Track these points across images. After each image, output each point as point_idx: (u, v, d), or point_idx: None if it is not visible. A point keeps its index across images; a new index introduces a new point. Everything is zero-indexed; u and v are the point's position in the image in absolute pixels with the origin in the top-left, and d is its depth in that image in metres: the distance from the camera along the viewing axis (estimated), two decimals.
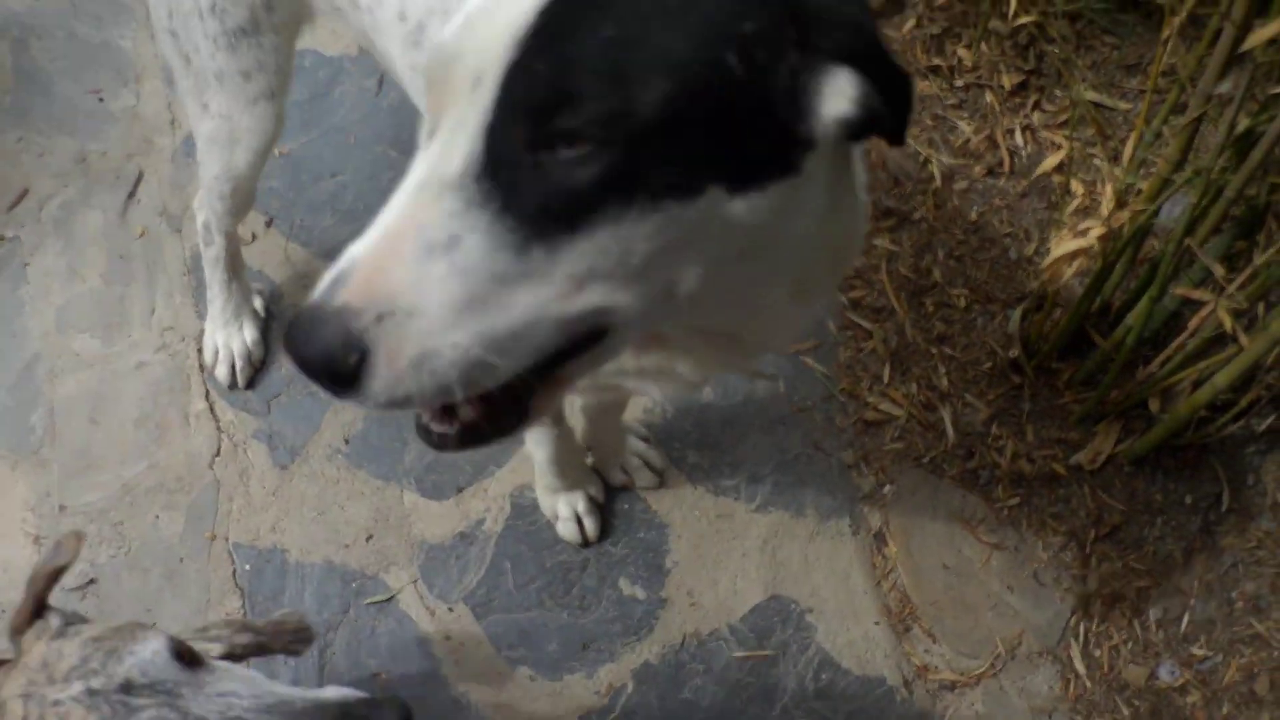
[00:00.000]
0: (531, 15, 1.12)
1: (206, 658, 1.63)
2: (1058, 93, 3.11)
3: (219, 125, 2.45)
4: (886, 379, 2.89)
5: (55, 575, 1.80)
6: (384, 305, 1.11)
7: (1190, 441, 2.74)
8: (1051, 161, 2.54)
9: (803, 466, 2.84)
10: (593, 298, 1.16)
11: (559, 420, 2.48)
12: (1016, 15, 2.89)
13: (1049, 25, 3.08)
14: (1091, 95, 3.03)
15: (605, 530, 2.80)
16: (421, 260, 1.12)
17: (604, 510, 2.80)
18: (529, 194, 1.12)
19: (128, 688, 1.49)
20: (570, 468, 2.69)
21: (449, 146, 1.14)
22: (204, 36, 2.27)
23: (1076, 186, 2.86)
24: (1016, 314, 2.88)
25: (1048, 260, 2.47)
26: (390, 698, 1.60)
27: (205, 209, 2.77)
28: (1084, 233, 2.36)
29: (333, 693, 1.62)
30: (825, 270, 1.50)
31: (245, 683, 1.58)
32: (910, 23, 3.20)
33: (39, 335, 3.08)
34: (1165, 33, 2.18)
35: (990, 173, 3.06)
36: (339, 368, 1.11)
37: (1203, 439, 2.71)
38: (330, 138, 3.34)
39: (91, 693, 1.49)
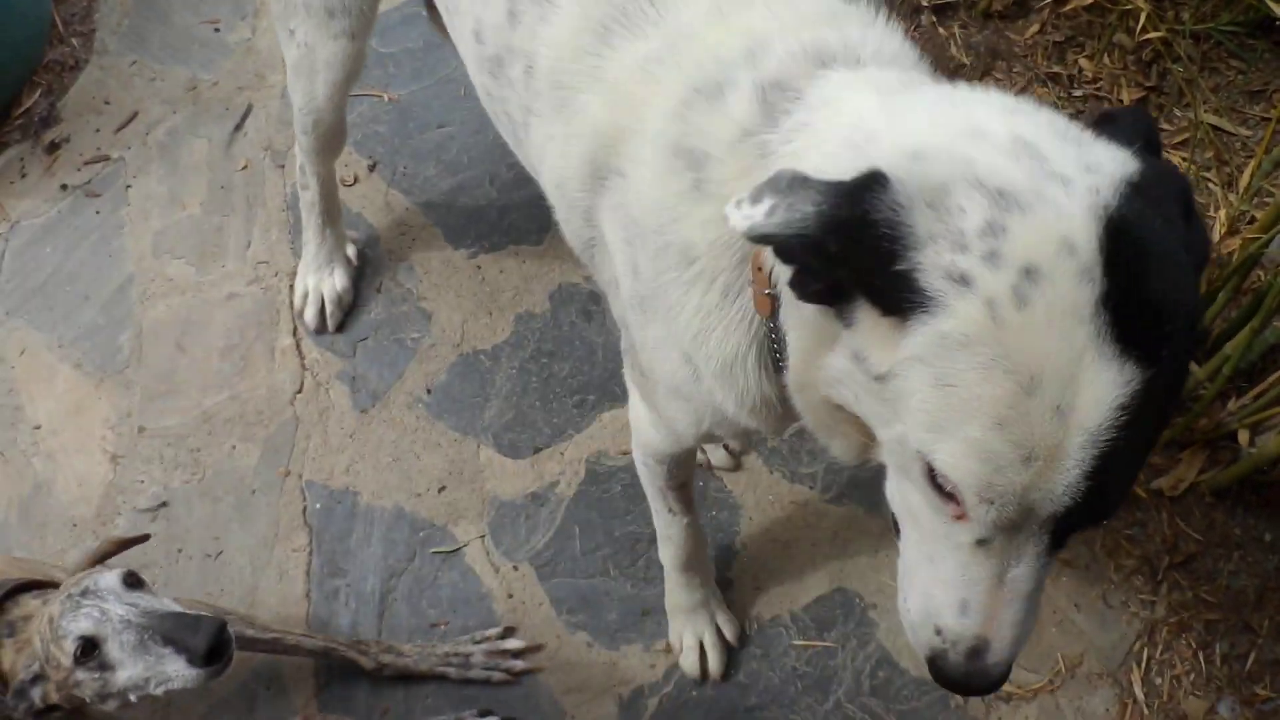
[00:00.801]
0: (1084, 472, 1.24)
1: (149, 585, 2.10)
2: (1177, 113, 3.06)
3: (302, 55, 2.50)
4: None
5: (121, 546, 2.27)
6: (1019, 649, 1.45)
7: (1276, 479, 2.69)
8: None
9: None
10: None
11: (689, 505, 2.40)
12: (1143, 31, 2.85)
13: (1175, 43, 3.02)
14: (1212, 119, 2.98)
15: (629, 514, 2.78)
16: (1030, 618, 1.42)
17: (731, 650, 2.69)
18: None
19: (84, 593, 1.99)
20: (696, 575, 2.57)
21: (1017, 548, 1.35)
22: None
23: None
24: None
25: None
26: (208, 620, 1.96)
27: (299, 148, 2.80)
28: None
29: (174, 606, 2.02)
30: None
31: (149, 599, 2.02)
32: (1034, 28, 3.16)
33: (135, 257, 3.12)
34: None
35: None
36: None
37: None
38: (441, 88, 3.35)
39: (68, 597, 2.00)
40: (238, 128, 3.31)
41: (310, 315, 3.00)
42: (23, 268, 3.11)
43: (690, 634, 2.63)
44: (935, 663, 1.46)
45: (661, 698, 2.62)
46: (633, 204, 1.62)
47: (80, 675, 1.98)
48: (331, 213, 2.94)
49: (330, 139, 2.75)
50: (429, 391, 2.94)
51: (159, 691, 1.99)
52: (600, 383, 2.93)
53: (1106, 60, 3.08)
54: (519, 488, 2.83)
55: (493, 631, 2.63)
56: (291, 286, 3.05)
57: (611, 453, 2.80)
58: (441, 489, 2.83)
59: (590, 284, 2.97)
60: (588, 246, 1.84)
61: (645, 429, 2.09)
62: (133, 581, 2.07)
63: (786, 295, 1.38)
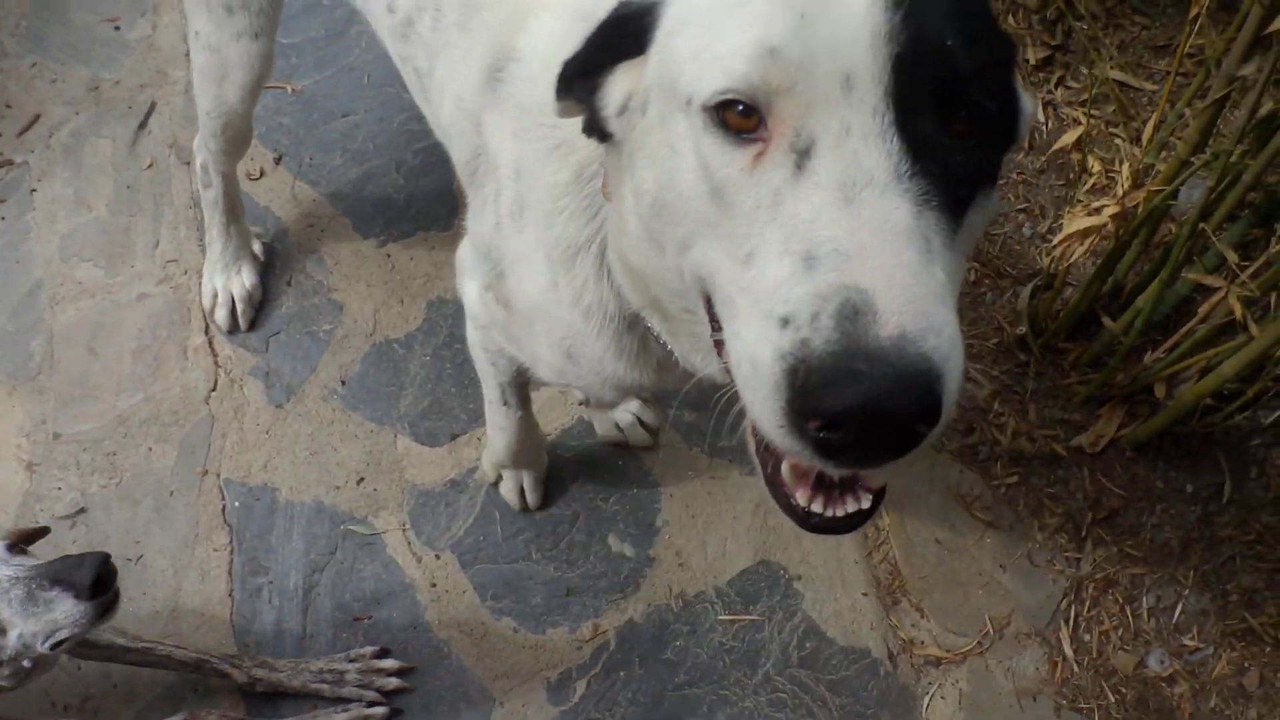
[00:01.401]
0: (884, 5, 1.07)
1: (30, 551, 2.14)
2: (1083, 70, 3.05)
3: (209, 58, 2.44)
4: None
5: (22, 538, 2.21)
6: (932, 323, 1.01)
7: (1194, 430, 2.70)
8: (1070, 137, 2.48)
9: None
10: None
11: (525, 401, 2.45)
12: None
13: (1078, 1, 3.01)
14: (1117, 74, 2.97)
15: (548, 496, 2.78)
16: (928, 274, 1.04)
17: (547, 485, 2.78)
18: (949, 185, 1.08)
19: None
20: (524, 452, 2.64)
21: (852, 153, 1.06)
22: None
23: (1094, 164, 2.80)
24: (1026, 291, 2.84)
25: (1059, 236, 2.42)
26: (92, 554, 2.00)
27: (203, 149, 2.75)
28: (1098, 211, 2.32)
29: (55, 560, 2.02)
30: None
31: (34, 561, 2.04)
32: None
33: (43, 262, 3.07)
34: (1194, 10, 2.13)
35: None
36: (933, 403, 0.99)
37: (1207, 428, 2.67)
38: (344, 77, 3.31)
39: None
40: (141, 126, 3.25)
41: (221, 316, 2.95)
42: None
43: (509, 478, 2.73)
44: (797, 375, 1.00)
45: (589, 679, 2.61)
46: (523, 91, 1.62)
47: None
48: (235, 210, 2.90)
49: (239, 140, 2.71)
50: (343, 383, 2.91)
51: (49, 647, 1.97)
52: None
53: (1011, 20, 3.07)
54: (438, 476, 2.81)
55: (368, 650, 2.60)
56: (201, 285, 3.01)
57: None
58: (360, 480, 2.80)
59: None
60: (474, 158, 1.83)
61: (490, 352, 2.15)
62: (16, 548, 2.09)
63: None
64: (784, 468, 1.20)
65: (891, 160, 1.05)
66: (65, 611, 1.95)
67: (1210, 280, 2.31)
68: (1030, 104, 1.26)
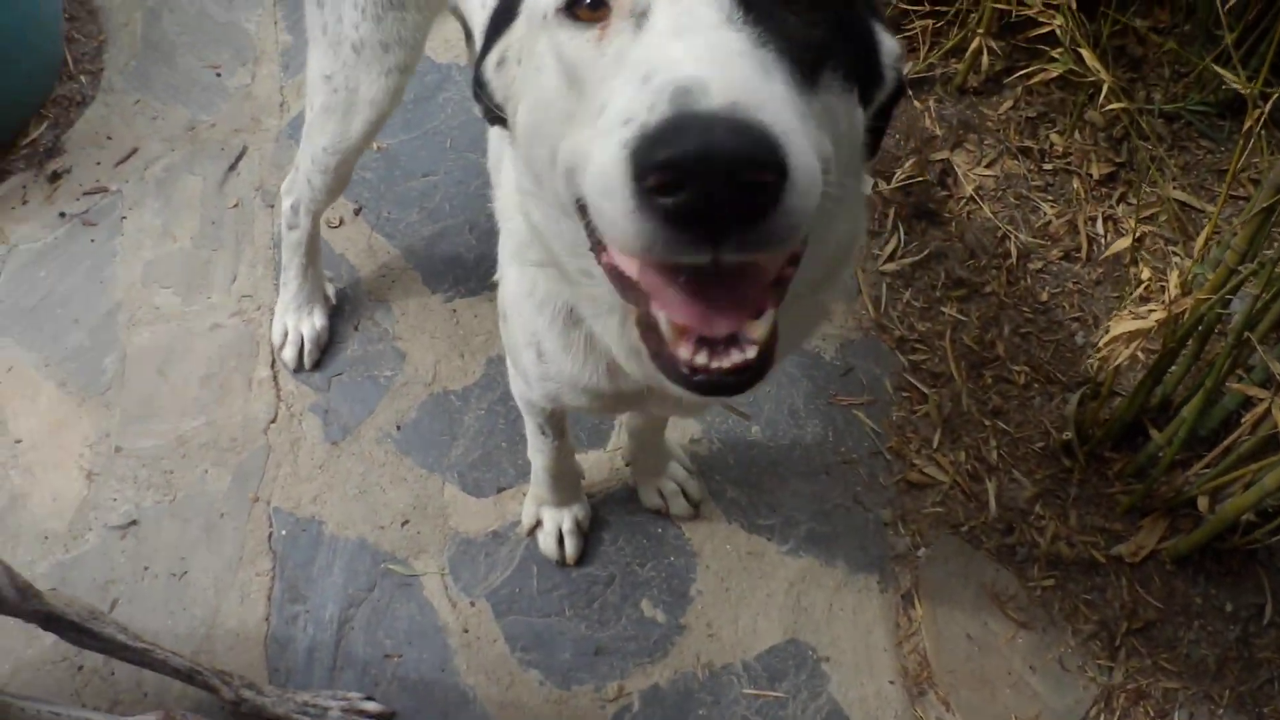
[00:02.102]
0: None
1: None
2: (1146, 188, 3.11)
3: (340, 97, 2.53)
4: (936, 444, 2.89)
5: None
6: (768, 105, 1.03)
7: (1236, 546, 2.69)
8: (1122, 244, 2.54)
9: (840, 517, 2.84)
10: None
11: (561, 433, 2.53)
12: (1113, 110, 2.91)
13: (1145, 123, 3.08)
14: (1179, 194, 3.03)
15: (586, 556, 2.81)
16: (765, 80, 1.08)
17: (588, 538, 2.83)
18: (787, 42, 1.15)
19: None
20: (564, 484, 2.72)
21: (685, 7, 1.15)
22: (352, 6, 2.36)
23: (1145, 272, 2.84)
24: (1075, 398, 2.86)
25: (1105, 338, 2.46)
26: None
27: (297, 190, 2.86)
28: (1144, 315, 2.35)
29: None
30: (837, 257, 1.55)
31: None
32: (1007, 104, 3.24)
33: (125, 285, 3.18)
34: (1247, 124, 2.18)
35: (1067, 256, 3.07)
36: (772, 153, 1.00)
37: (1250, 545, 2.66)
38: (428, 139, 3.44)
39: None
40: (231, 168, 3.39)
41: (289, 354, 3.05)
42: (16, 289, 3.18)
43: (549, 519, 2.78)
44: (638, 151, 1.01)
45: None
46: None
47: None
48: (314, 254, 3.00)
49: (341, 181, 2.80)
50: (399, 428, 2.97)
51: None
52: None
53: (1077, 136, 3.15)
54: (481, 525, 2.86)
55: (354, 694, 2.63)
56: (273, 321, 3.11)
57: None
58: (405, 522, 2.85)
59: None
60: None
61: (518, 381, 2.18)
62: None
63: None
64: (662, 323, 1.18)
65: (723, 11, 1.13)
66: None
67: (1255, 392, 2.33)
68: (893, 45, 1.39)
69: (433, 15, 2.43)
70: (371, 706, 2.60)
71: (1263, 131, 2.35)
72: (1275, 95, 2.33)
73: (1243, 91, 2.29)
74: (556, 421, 2.47)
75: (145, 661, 2.40)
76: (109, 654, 2.36)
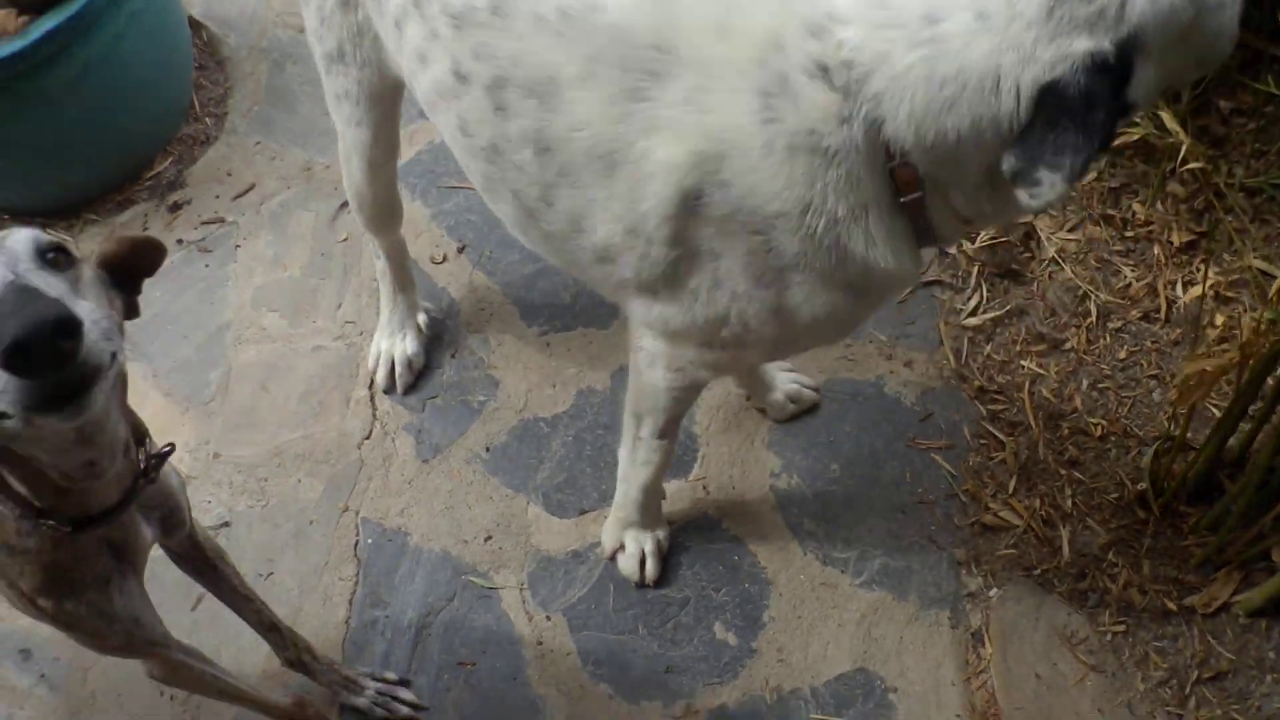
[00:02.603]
0: None
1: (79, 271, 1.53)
2: (1226, 257, 3.18)
3: (341, 140, 2.75)
4: (1011, 489, 2.93)
5: (132, 247, 1.77)
6: None
7: None
8: (1195, 292, 2.60)
9: (914, 555, 2.88)
10: None
11: (675, 436, 2.62)
12: (1193, 174, 3.00)
13: (1228, 195, 3.17)
14: (1260, 264, 3.09)
15: (662, 579, 2.88)
16: None
17: (666, 562, 2.89)
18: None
19: None
20: (656, 502, 2.82)
21: None
22: (318, 56, 2.55)
23: (1219, 318, 2.89)
24: (1150, 451, 2.90)
25: (1177, 379, 2.51)
26: (31, 310, 1.25)
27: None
28: (1218, 354, 2.40)
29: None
30: None
31: (51, 279, 1.43)
32: (1091, 174, 3.33)
33: (234, 306, 3.35)
34: None
35: (1146, 317, 3.13)
36: None
37: None
38: None
39: None
40: (343, 206, 3.56)
41: (381, 375, 3.18)
42: None
43: (632, 541, 2.85)
44: None
45: None
46: (757, 202, 1.85)
47: None
48: (402, 282, 3.15)
49: (379, 217, 2.96)
50: (488, 450, 3.08)
51: None
52: None
53: (1159, 206, 3.23)
54: (562, 544, 2.94)
55: (392, 675, 2.74)
56: None
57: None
58: (488, 538, 2.94)
59: None
60: (671, 268, 2.01)
61: (688, 371, 2.30)
62: (50, 255, 1.46)
63: None
64: None
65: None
66: None
67: None
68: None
69: (379, 70, 2.47)
70: (405, 695, 2.70)
71: None
72: None
73: None
74: (681, 418, 2.60)
75: (240, 609, 2.49)
76: (220, 595, 2.46)
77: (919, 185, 1.77)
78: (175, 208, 3.60)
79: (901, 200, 1.80)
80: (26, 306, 1.24)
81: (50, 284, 1.39)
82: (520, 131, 1.97)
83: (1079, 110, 1.57)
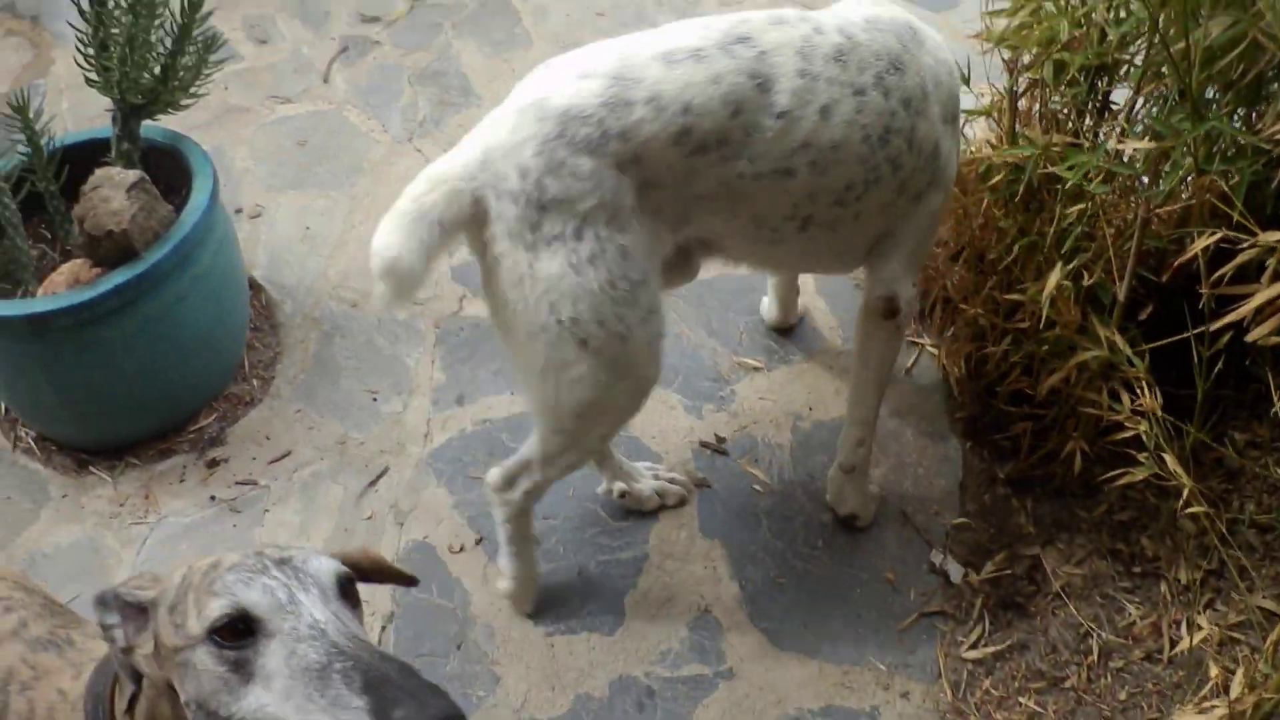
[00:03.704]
0: None
1: (360, 608, 1.62)
2: (1234, 595, 3.25)
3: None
4: None
5: (381, 571, 1.99)
6: None
7: None
8: (1199, 636, 2.68)
9: None
10: None
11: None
12: (1199, 514, 3.09)
13: (1239, 531, 3.26)
14: (1269, 604, 3.14)
15: None
16: None
17: None
18: None
19: (280, 563, 1.53)
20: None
21: None
22: None
23: (1214, 671, 2.93)
24: None
25: None
26: (448, 698, 1.36)
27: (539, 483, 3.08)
28: (1208, 710, 2.47)
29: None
30: None
31: (358, 625, 1.54)
32: (1102, 507, 3.43)
33: None
34: None
35: (1149, 657, 3.16)
36: None
37: None
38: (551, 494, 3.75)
39: (258, 555, 1.56)
40: (372, 484, 3.71)
41: None
42: (156, 555, 3.47)
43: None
44: None
45: None
46: None
47: (201, 656, 1.44)
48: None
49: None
50: None
51: None
52: None
53: (1168, 542, 3.33)
54: None
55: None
56: (383, 628, 3.34)
57: None
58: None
59: (649, 679, 3.21)
60: None
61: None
62: (348, 589, 1.56)
63: None
64: None
65: None
66: None
67: None
68: None
69: None
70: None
71: None
72: None
73: None
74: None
75: None
76: None
77: None
78: (213, 464, 3.75)
79: None
80: (423, 691, 1.33)
81: (348, 620, 1.49)
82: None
83: None
